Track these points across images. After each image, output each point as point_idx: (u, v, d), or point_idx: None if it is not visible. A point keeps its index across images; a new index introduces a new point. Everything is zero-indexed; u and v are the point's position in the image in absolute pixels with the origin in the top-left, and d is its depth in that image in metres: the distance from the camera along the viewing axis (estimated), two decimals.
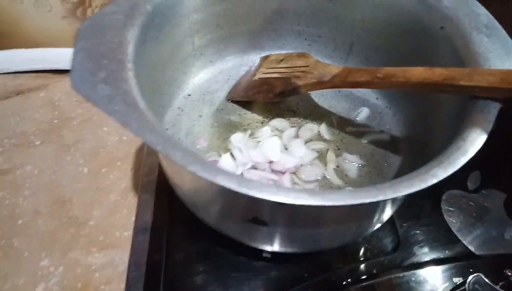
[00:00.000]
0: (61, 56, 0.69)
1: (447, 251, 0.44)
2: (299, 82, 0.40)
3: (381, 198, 0.24)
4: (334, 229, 0.31)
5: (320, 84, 0.39)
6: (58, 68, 0.71)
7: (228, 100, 0.47)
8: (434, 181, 0.25)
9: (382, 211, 0.32)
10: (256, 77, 0.45)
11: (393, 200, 0.31)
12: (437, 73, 0.31)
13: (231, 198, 0.29)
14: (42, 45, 0.68)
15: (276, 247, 0.35)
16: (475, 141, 0.27)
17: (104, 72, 0.28)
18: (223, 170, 0.24)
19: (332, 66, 0.39)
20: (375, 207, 0.30)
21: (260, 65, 0.47)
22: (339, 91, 0.49)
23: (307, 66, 0.41)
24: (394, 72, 0.33)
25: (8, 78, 0.71)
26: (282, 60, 0.45)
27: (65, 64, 0.70)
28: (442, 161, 0.26)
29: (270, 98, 0.44)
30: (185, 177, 0.33)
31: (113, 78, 0.28)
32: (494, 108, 0.29)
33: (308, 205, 0.23)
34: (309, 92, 0.47)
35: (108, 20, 0.31)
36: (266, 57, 0.47)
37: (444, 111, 0.37)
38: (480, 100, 0.30)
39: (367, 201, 0.23)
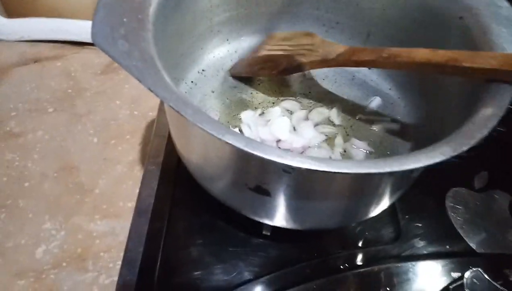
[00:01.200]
0: (80, 28, 0.70)
1: (447, 246, 0.44)
2: (304, 60, 0.41)
3: (387, 169, 0.24)
4: (336, 204, 0.32)
5: (325, 62, 0.39)
6: (77, 40, 0.72)
7: (231, 75, 0.48)
8: (442, 157, 0.25)
9: (386, 189, 0.32)
10: (261, 54, 0.45)
11: (399, 179, 0.32)
12: (441, 54, 0.31)
13: (236, 162, 0.29)
14: (63, 16, 0.69)
15: (276, 221, 0.35)
16: (483, 126, 0.27)
17: (124, 29, 0.28)
18: (231, 130, 0.25)
19: (337, 45, 0.40)
20: (379, 182, 0.30)
21: (265, 42, 0.47)
22: (352, 79, 0.49)
23: (312, 44, 0.41)
24: (398, 53, 0.34)
25: (27, 45, 0.73)
26: (287, 38, 0.45)
27: (84, 37, 0.71)
28: (451, 140, 0.26)
29: (274, 74, 0.44)
30: (192, 140, 0.34)
31: (133, 35, 0.28)
32: (506, 98, 0.29)
33: (314, 169, 0.23)
34: (314, 69, 0.47)
35: None
36: (272, 34, 0.48)
37: (455, 103, 0.37)
38: (492, 91, 0.30)
39: (373, 171, 0.24)
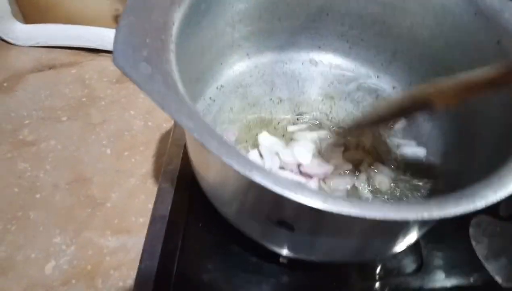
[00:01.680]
0: (97, 35, 0.69)
1: (471, 279, 0.42)
2: None
3: (425, 215, 0.22)
4: (362, 242, 0.30)
5: None
6: (93, 47, 0.71)
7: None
8: (483, 203, 0.23)
9: (415, 228, 0.30)
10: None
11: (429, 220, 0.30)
12: None
13: (260, 196, 0.28)
14: (80, 23, 0.68)
15: (296, 253, 0.33)
16: None
17: (147, 50, 0.27)
18: (258, 165, 0.23)
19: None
20: (410, 224, 0.28)
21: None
22: (376, 97, 0.47)
23: None
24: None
25: (43, 51, 0.72)
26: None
27: (100, 44, 0.70)
28: (492, 182, 0.24)
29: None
30: (212, 167, 0.32)
31: (155, 57, 0.27)
32: None
33: (348, 215, 0.22)
34: None
35: None
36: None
37: (489, 130, 0.35)
38: None
39: (411, 217, 0.22)
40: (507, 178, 0.24)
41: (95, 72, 0.70)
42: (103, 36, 0.68)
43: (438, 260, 0.43)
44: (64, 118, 0.64)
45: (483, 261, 0.44)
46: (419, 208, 0.22)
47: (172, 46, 0.29)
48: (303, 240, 0.30)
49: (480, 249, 0.45)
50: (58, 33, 0.70)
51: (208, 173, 0.34)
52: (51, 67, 0.70)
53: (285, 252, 0.34)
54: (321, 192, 0.23)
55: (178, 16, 0.31)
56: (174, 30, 0.30)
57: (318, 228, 0.28)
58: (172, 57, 0.28)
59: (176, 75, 0.27)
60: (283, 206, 0.27)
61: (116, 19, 0.67)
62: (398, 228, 0.28)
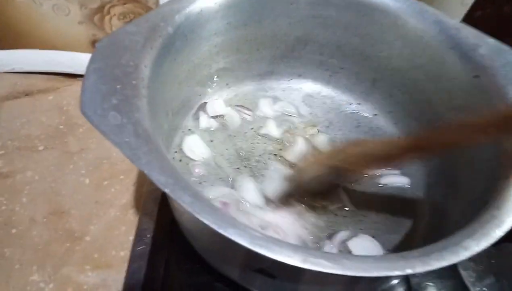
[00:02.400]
0: (74, 60, 0.67)
1: None
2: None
3: (408, 271, 0.21)
4: (346, 288, 0.29)
5: None
6: (70, 72, 0.69)
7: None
8: (467, 254, 0.23)
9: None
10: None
11: None
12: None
13: (238, 250, 0.26)
14: (57, 48, 0.67)
15: None
16: (511, 210, 0.25)
17: (116, 98, 0.26)
18: (235, 222, 0.22)
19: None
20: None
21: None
22: (357, 126, 0.47)
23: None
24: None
25: (19, 77, 0.70)
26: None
27: (78, 69, 0.69)
28: (475, 231, 0.24)
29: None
30: (189, 216, 0.31)
31: (125, 105, 0.26)
32: None
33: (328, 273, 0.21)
34: None
35: (127, 40, 0.29)
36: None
37: (473, 169, 0.34)
38: None
39: (392, 274, 0.21)
40: (489, 225, 0.24)
41: (73, 98, 0.68)
42: (81, 61, 0.67)
43: (427, 290, 0.42)
44: (41, 148, 0.62)
45: (470, 287, 0.44)
46: (402, 264, 0.22)
47: (144, 91, 0.28)
48: (285, 286, 0.29)
49: (468, 277, 0.44)
50: (34, 59, 0.69)
51: (186, 219, 0.33)
52: (27, 93, 0.68)
53: None
54: (300, 247, 0.22)
55: (150, 57, 0.30)
56: (147, 73, 0.29)
57: (300, 278, 0.27)
58: (144, 102, 0.27)
59: (147, 123, 0.26)
60: (262, 259, 0.26)
61: (93, 44, 0.65)
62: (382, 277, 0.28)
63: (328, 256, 0.21)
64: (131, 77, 0.28)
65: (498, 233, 0.23)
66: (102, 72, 0.27)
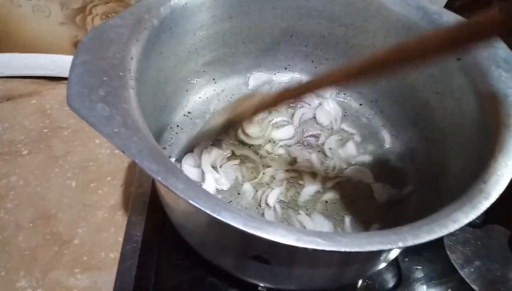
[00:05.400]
0: (56, 63, 0.66)
1: (449, 289, 0.43)
2: None
3: (400, 244, 0.22)
4: (339, 270, 0.29)
5: None
6: (53, 75, 0.68)
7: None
8: (456, 226, 0.23)
9: (392, 252, 0.30)
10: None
11: None
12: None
13: (233, 234, 0.27)
14: (38, 51, 0.65)
15: (274, 284, 0.32)
16: (497, 184, 0.26)
17: (104, 89, 0.26)
18: (228, 206, 0.22)
19: None
20: (385, 251, 0.28)
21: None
22: (344, 115, 0.47)
23: None
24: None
25: (0, 82, 0.69)
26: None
27: (60, 72, 0.68)
28: (463, 204, 0.24)
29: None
30: (181, 204, 0.31)
31: (113, 96, 0.26)
32: None
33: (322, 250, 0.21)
34: None
35: (113, 33, 0.29)
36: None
37: (457, 147, 0.35)
38: (504, 136, 0.28)
39: (386, 247, 0.22)
40: (477, 198, 0.25)
41: (56, 101, 0.67)
42: (63, 64, 0.66)
43: (416, 273, 0.43)
44: (25, 152, 0.60)
45: (459, 269, 0.44)
46: (394, 238, 0.22)
47: (132, 83, 0.28)
48: (280, 272, 0.29)
49: (455, 258, 0.45)
50: (15, 62, 0.67)
51: (178, 209, 0.33)
52: (9, 98, 0.67)
53: (263, 283, 0.33)
54: (293, 228, 0.22)
55: (137, 49, 0.30)
56: (133, 64, 0.29)
57: (295, 261, 0.27)
58: (132, 93, 0.27)
59: (136, 113, 0.26)
60: (257, 243, 0.26)
61: (76, 46, 0.64)
62: (374, 255, 0.28)
63: (321, 234, 0.22)
64: (118, 69, 0.28)
65: (485, 204, 0.24)
66: (88, 65, 0.27)
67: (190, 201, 0.22)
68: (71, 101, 0.25)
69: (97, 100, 0.25)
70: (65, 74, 0.70)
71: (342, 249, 0.21)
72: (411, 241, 0.22)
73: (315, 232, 0.22)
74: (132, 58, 0.29)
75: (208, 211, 0.22)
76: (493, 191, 0.25)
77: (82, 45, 0.28)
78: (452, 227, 0.23)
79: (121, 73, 0.27)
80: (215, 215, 0.22)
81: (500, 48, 0.34)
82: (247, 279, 0.33)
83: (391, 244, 0.22)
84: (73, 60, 0.27)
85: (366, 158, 0.44)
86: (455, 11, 0.38)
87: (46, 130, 0.63)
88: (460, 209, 0.24)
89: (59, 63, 0.67)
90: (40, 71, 0.68)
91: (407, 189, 0.40)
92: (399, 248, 0.22)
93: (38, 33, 0.64)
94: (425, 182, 0.40)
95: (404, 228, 0.23)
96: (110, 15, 0.60)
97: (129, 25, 0.30)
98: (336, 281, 0.32)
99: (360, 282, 0.41)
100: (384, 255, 0.29)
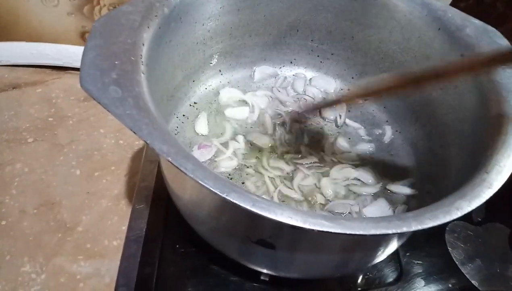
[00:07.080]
0: (63, 53, 0.67)
1: (449, 284, 0.43)
2: None
3: (404, 229, 0.22)
4: (343, 257, 0.30)
5: None
6: (59, 65, 0.69)
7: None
8: (459, 214, 0.24)
9: (394, 241, 0.30)
10: None
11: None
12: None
13: (239, 216, 0.27)
14: (45, 40, 0.66)
15: (277, 271, 0.33)
16: (499, 174, 0.26)
17: (116, 72, 0.26)
18: (237, 187, 0.23)
19: None
20: (390, 237, 0.28)
21: None
22: (348, 111, 0.48)
23: None
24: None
25: (6, 70, 0.69)
26: None
27: (66, 61, 0.68)
28: (466, 193, 0.25)
29: None
30: (188, 188, 0.32)
31: (125, 79, 0.26)
32: None
33: (328, 232, 0.21)
34: None
35: (124, 19, 0.30)
36: None
37: (459, 142, 0.36)
38: (506, 129, 0.29)
39: (390, 231, 0.22)
40: (479, 187, 0.25)
41: (62, 90, 0.68)
42: (69, 54, 0.66)
43: (417, 268, 0.44)
44: (30, 140, 0.61)
45: (459, 265, 0.45)
46: (398, 223, 0.23)
47: (143, 68, 0.28)
48: (284, 257, 0.30)
49: (456, 254, 0.46)
50: (22, 51, 0.68)
51: (184, 194, 0.33)
52: (15, 86, 0.67)
53: (266, 270, 0.33)
54: (300, 210, 0.22)
55: (147, 36, 0.30)
56: (144, 50, 0.29)
57: (299, 245, 0.28)
58: (143, 78, 0.28)
59: (147, 97, 0.26)
60: (263, 226, 0.27)
61: (83, 36, 0.65)
62: (377, 241, 0.29)
63: (327, 217, 0.22)
64: (129, 53, 0.28)
65: (488, 193, 0.25)
66: (101, 49, 0.27)
67: (200, 181, 0.22)
68: (84, 82, 0.25)
69: (109, 83, 0.26)
70: (71, 64, 0.71)
71: (348, 232, 0.21)
72: (415, 226, 0.22)
73: (321, 215, 0.22)
74: (143, 44, 0.29)
75: (217, 191, 0.22)
76: (495, 181, 0.25)
77: (94, 29, 0.28)
78: (456, 214, 0.24)
79: (132, 58, 0.28)
80: (224, 196, 0.22)
81: (503, 45, 0.34)
82: (251, 265, 0.33)
83: (396, 229, 0.22)
84: (86, 44, 0.27)
85: (369, 152, 0.44)
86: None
87: (51, 119, 0.64)
88: (463, 197, 0.25)
89: (65, 53, 0.67)
90: (46, 60, 0.68)
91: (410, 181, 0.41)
92: (403, 232, 0.22)
93: (46, 23, 0.64)
94: (427, 176, 0.40)
95: (408, 214, 0.24)
96: (117, 6, 0.61)
97: (141, 12, 0.31)
98: (338, 270, 0.33)
99: (360, 277, 0.42)
100: (387, 242, 0.29)
